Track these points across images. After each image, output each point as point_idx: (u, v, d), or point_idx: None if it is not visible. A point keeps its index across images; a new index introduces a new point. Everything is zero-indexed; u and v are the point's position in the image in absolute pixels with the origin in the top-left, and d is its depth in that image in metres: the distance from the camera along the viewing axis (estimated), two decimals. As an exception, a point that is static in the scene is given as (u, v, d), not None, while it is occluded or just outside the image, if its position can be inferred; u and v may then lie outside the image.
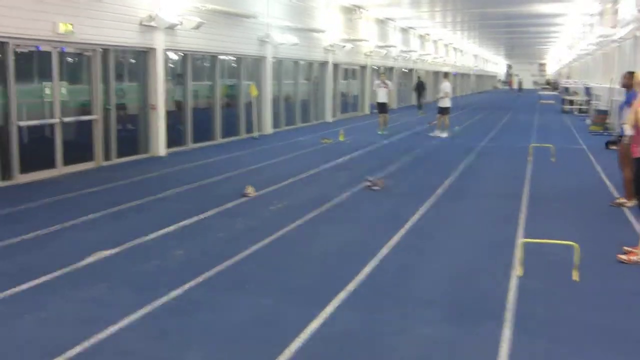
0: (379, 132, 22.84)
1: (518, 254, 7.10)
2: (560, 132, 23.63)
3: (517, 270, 6.89)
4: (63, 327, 5.40)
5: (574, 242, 6.93)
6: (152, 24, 15.53)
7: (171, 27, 16.09)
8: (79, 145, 14.33)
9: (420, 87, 38.26)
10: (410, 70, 45.44)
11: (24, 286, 6.38)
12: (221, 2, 18.61)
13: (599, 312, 5.87)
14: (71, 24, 13.02)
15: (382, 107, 23.22)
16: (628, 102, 9.73)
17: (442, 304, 6.02)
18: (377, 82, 24.20)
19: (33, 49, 12.82)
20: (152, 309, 5.79)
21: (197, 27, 16.81)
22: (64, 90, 13.45)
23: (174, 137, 17.47)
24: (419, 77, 41.99)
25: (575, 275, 6.71)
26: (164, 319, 5.61)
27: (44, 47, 12.90)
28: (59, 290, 6.30)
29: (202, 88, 19.42)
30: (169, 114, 16.98)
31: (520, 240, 7.58)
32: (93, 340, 5.10)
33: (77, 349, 4.93)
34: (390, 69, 39.27)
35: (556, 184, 12.63)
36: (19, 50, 12.39)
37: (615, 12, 26.53)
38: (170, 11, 16.01)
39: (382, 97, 23.20)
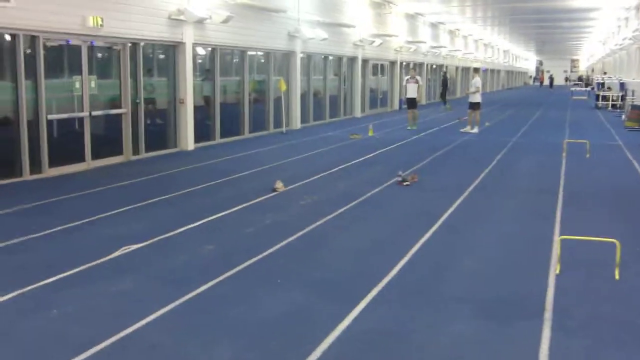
0: (409, 128, 22.63)
1: (556, 251, 6.86)
2: (594, 128, 23.16)
3: (555, 268, 6.64)
4: (90, 322, 5.29)
5: (614, 239, 6.68)
6: (181, 17, 15.45)
7: (200, 21, 16.01)
8: (108, 139, 14.32)
9: (445, 82, 37.89)
10: (440, 66, 45.03)
11: (51, 279, 6.29)
12: (250, -4, 18.51)
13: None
14: (101, 18, 12.99)
15: (411, 103, 23.04)
16: None
17: (476, 301, 5.80)
18: (407, 77, 23.99)
19: (63, 42, 12.78)
20: (182, 304, 5.67)
21: (227, 21, 16.71)
22: (93, 84, 13.40)
23: (202, 131, 17.40)
24: (444, 72, 41.78)
25: (616, 273, 6.45)
26: (193, 314, 5.48)
27: (73, 41, 12.87)
28: (87, 284, 6.20)
29: (231, 83, 19.33)
30: (197, 109, 16.91)
31: (559, 237, 7.31)
32: (121, 334, 4.99)
33: (105, 344, 4.82)
34: (420, 64, 38.91)
35: (593, 180, 12.32)
36: (48, 44, 12.38)
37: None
38: (200, 5, 15.93)
39: (411, 92, 22.98)
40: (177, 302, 5.68)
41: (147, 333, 5.07)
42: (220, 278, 6.37)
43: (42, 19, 11.75)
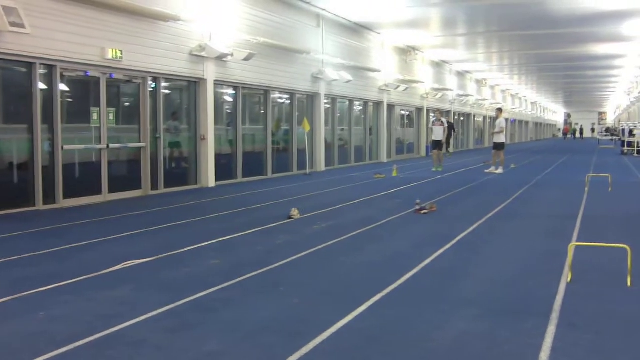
0: (434, 169, 22.37)
1: (568, 260, 6.54)
2: (618, 169, 22.78)
3: (566, 277, 6.32)
4: (78, 322, 5.06)
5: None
6: (203, 54, 15.53)
7: (221, 58, 16.08)
8: (126, 172, 14.28)
9: (449, 129, 36.57)
10: (468, 115, 44.90)
11: (46, 287, 6.11)
12: (273, 37, 18.63)
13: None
14: (120, 50, 13.08)
15: (436, 144, 22.89)
16: None
17: (484, 304, 5.55)
18: (433, 119, 23.82)
19: (81, 73, 12.85)
20: (176, 307, 5.45)
21: (248, 58, 16.77)
22: (111, 117, 13.42)
23: (224, 171, 17.33)
24: (448, 118, 40.32)
25: (628, 280, 6.14)
26: (187, 315, 5.25)
27: (92, 73, 12.93)
28: (81, 292, 6.00)
29: (255, 130, 19.37)
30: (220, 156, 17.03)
31: (570, 244, 7.00)
32: (108, 331, 4.78)
33: (87, 340, 4.60)
34: (447, 112, 38.81)
35: (612, 209, 12.04)
36: (66, 74, 12.45)
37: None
38: (221, 42, 16.02)
39: (437, 135, 22.85)
40: (171, 306, 5.46)
41: (135, 331, 4.85)
42: (221, 286, 6.14)
43: (60, 48, 11.83)
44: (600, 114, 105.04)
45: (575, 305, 5.47)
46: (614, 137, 54.30)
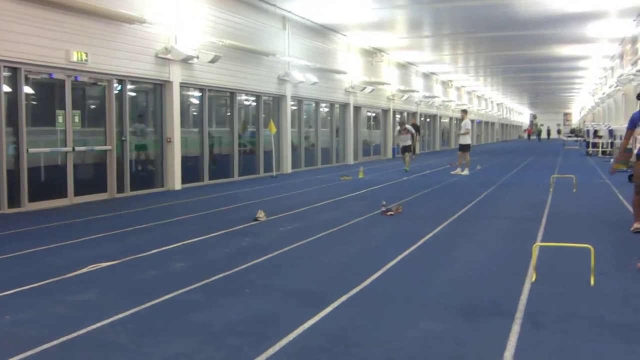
0: (405, 169, 22.55)
1: (532, 260, 6.68)
2: (583, 170, 23.07)
3: (531, 277, 6.46)
4: (44, 325, 5.08)
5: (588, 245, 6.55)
6: (168, 56, 15.51)
7: (187, 60, 16.06)
8: (92, 175, 14.20)
9: (415, 131, 36.21)
10: (434, 116, 45.27)
11: (11, 291, 6.10)
12: (239, 39, 18.65)
13: (615, 312, 5.41)
14: (85, 53, 13.02)
15: (406, 148, 23.28)
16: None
17: (448, 304, 5.62)
18: (398, 128, 23.96)
19: (46, 76, 12.76)
20: (143, 309, 5.48)
21: (214, 60, 16.76)
22: (77, 119, 13.34)
23: (190, 173, 17.30)
24: (413, 120, 39.42)
25: (591, 280, 6.29)
26: (153, 318, 5.28)
27: (57, 75, 12.85)
28: (47, 295, 6.01)
29: (222, 132, 19.38)
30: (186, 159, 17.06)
31: (535, 244, 7.15)
32: (74, 334, 4.80)
33: (54, 342, 4.62)
34: (413, 114, 39.09)
35: (576, 209, 12.22)
36: (31, 77, 12.36)
37: (636, 52, 26.26)
38: (187, 44, 16.01)
39: (405, 141, 23.29)
40: (138, 308, 5.49)
41: (102, 334, 4.87)
42: (187, 288, 6.17)
43: (24, 50, 11.75)
44: (566, 114, 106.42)
45: (539, 304, 5.56)
46: (579, 138, 55.00)
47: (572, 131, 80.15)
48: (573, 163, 28.05)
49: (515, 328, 4.90)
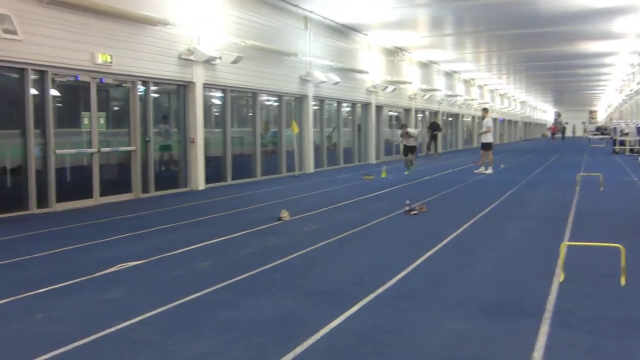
0: (407, 173, 21.45)
1: (560, 260, 6.63)
2: (610, 168, 22.86)
3: (559, 277, 6.42)
4: (74, 323, 5.17)
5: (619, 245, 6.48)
6: (191, 57, 15.62)
7: (210, 61, 16.16)
8: (117, 176, 14.35)
9: (433, 129, 34.61)
10: (456, 115, 45.10)
11: (43, 289, 6.20)
12: (261, 39, 18.71)
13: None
14: (110, 55, 13.15)
15: (408, 149, 21.88)
16: None
17: (474, 304, 5.61)
18: (400, 132, 22.62)
19: (72, 78, 12.91)
20: (170, 308, 5.54)
21: (236, 61, 16.85)
22: (102, 121, 13.49)
23: (213, 173, 17.40)
24: (434, 118, 38.45)
25: (622, 280, 6.23)
26: (180, 316, 5.34)
27: (82, 77, 12.99)
28: (77, 294, 6.11)
29: (244, 132, 19.48)
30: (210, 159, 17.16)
31: (562, 243, 7.10)
32: (103, 332, 4.87)
33: (85, 340, 4.70)
34: (435, 112, 39.01)
35: (605, 208, 12.07)
36: (57, 79, 12.51)
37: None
38: (209, 45, 16.10)
39: (410, 142, 21.87)
40: (165, 307, 5.55)
41: (131, 332, 4.94)
42: (213, 288, 6.23)
43: (51, 54, 11.92)
44: (591, 112, 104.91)
45: (568, 305, 5.51)
46: (605, 136, 54.27)
47: (598, 129, 78.19)
48: (599, 161, 27.75)
49: (544, 328, 4.87)
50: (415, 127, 33.85)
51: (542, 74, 47.30)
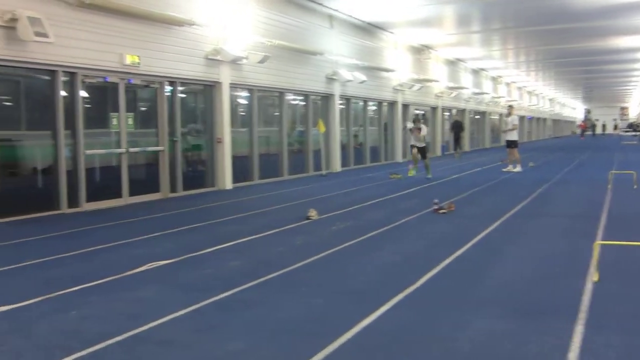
0: (409, 174, 19.88)
1: (593, 259, 6.53)
2: (641, 166, 22.54)
3: (592, 277, 6.32)
4: (107, 321, 5.20)
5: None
6: (218, 57, 15.67)
7: (236, 61, 16.21)
8: (145, 175, 14.45)
9: (457, 128, 32.30)
10: (483, 113, 44.78)
11: (75, 288, 6.26)
12: (287, 39, 18.73)
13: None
14: (138, 56, 13.24)
15: (420, 150, 19.74)
16: None
17: (505, 304, 5.55)
18: (410, 127, 20.12)
19: (101, 80, 13.02)
20: (201, 307, 5.56)
21: (263, 61, 16.88)
22: (130, 121, 13.60)
23: (240, 173, 17.45)
24: (455, 117, 36.45)
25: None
26: (211, 315, 5.36)
27: (111, 78, 13.11)
28: (109, 292, 6.16)
29: (270, 132, 19.52)
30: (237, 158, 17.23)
31: (595, 242, 6.99)
32: (136, 331, 4.91)
33: (118, 338, 4.73)
34: (462, 110, 38.78)
35: (639, 207, 11.88)
36: (86, 80, 12.63)
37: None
38: (236, 45, 16.15)
39: (418, 140, 19.71)
40: (196, 306, 5.57)
41: (162, 331, 4.96)
42: (244, 286, 6.24)
43: (80, 55, 12.05)
44: (622, 108, 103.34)
45: (603, 305, 5.41)
46: (638, 133, 53.31)
47: (630, 126, 76.54)
48: (632, 159, 27.32)
49: (579, 329, 4.79)
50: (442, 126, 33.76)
51: (571, 70, 46.77)
